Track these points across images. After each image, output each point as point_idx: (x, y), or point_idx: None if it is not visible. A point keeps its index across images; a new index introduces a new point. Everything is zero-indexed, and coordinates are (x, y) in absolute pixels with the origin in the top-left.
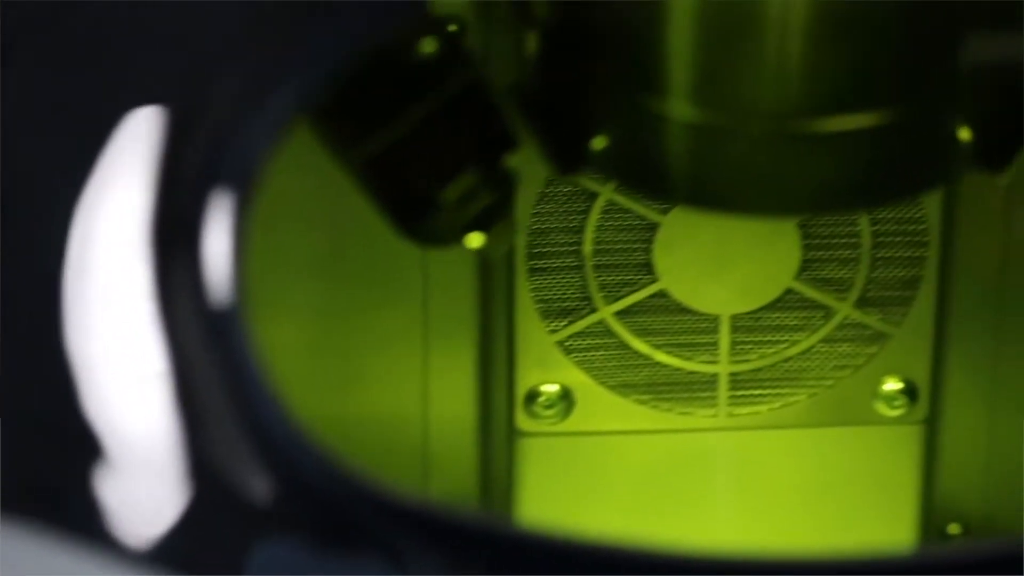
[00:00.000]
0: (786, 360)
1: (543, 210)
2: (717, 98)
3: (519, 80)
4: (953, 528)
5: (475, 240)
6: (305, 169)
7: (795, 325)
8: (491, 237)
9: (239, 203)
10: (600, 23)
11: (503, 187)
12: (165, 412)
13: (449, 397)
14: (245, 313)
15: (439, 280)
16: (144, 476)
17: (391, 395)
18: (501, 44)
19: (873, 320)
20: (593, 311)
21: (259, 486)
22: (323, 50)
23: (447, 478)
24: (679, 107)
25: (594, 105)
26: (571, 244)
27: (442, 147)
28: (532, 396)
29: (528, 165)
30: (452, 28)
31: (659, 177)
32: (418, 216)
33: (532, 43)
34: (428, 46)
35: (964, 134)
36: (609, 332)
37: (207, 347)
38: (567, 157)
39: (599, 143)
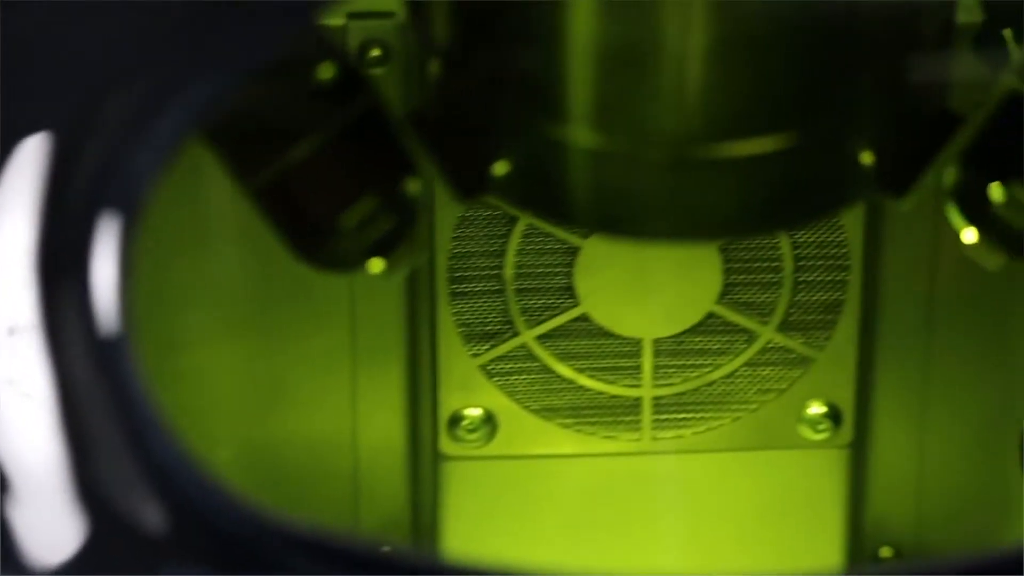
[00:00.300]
0: (709, 384)
1: (464, 234)
2: (617, 124)
3: (422, 106)
4: (885, 551)
5: (376, 265)
6: (233, 191)
7: (718, 349)
8: (392, 262)
9: (126, 229)
10: (501, 50)
11: (404, 212)
12: (55, 442)
13: (377, 420)
14: (133, 341)
15: (366, 303)
16: (42, 505)
17: (320, 418)
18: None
19: (796, 344)
20: (515, 335)
21: (152, 516)
22: (210, 73)
23: (377, 501)
24: (580, 133)
25: (496, 131)
26: (492, 268)
27: (340, 173)
28: (455, 420)
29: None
30: (376, 52)
31: (561, 203)
32: (317, 242)
33: (435, 69)
34: (326, 72)
35: (866, 158)
36: (531, 356)
37: (95, 376)
38: (468, 182)
39: (501, 168)
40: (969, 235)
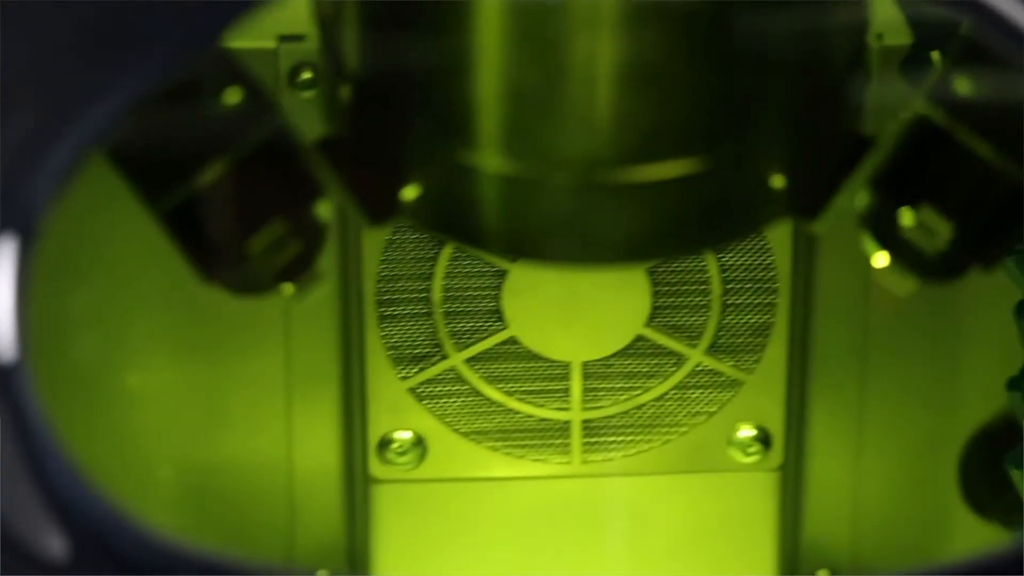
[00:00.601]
0: (639, 407)
1: (391, 257)
2: (525, 149)
3: (332, 130)
4: (822, 573)
5: (286, 289)
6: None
7: (647, 372)
8: (301, 285)
9: (23, 253)
10: (410, 74)
11: (312, 236)
12: None
13: (312, 444)
14: (31, 366)
15: (301, 326)
16: None
17: (256, 441)
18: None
19: (725, 367)
20: (444, 358)
21: (53, 545)
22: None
23: (313, 525)
24: (488, 159)
25: (406, 156)
26: (420, 291)
27: (248, 197)
28: (385, 443)
29: None
30: (307, 75)
31: (471, 227)
32: (225, 265)
33: (346, 94)
34: (232, 96)
35: (777, 181)
36: (460, 379)
37: None
38: (377, 207)
39: (411, 193)
40: (880, 260)
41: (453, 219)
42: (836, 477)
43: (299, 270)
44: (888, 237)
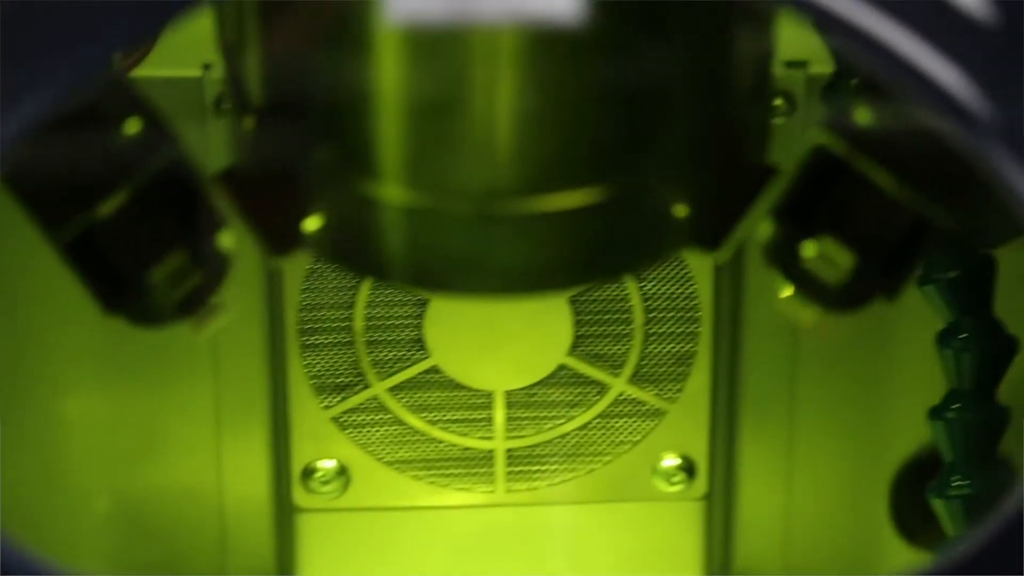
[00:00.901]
0: (563, 436)
1: (313, 286)
2: (426, 180)
3: (235, 161)
4: None
5: (188, 320)
6: None
7: (570, 401)
8: (204, 316)
9: None
10: (311, 106)
11: (215, 267)
12: None
13: (242, 472)
14: None
15: (229, 355)
16: None
17: (187, 470)
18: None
19: (649, 396)
20: (366, 387)
21: None
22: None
23: (244, 554)
24: (390, 189)
25: (307, 186)
26: (342, 320)
27: (148, 227)
28: (309, 472)
29: None
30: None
31: (373, 258)
32: (125, 297)
33: (249, 124)
34: (132, 126)
35: (680, 211)
36: (383, 408)
37: None
38: (279, 238)
39: (313, 224)
40: (784, 290)
41: (356, 251)
42: (766, 505)
43: (201, 301)
44: (791, 268)
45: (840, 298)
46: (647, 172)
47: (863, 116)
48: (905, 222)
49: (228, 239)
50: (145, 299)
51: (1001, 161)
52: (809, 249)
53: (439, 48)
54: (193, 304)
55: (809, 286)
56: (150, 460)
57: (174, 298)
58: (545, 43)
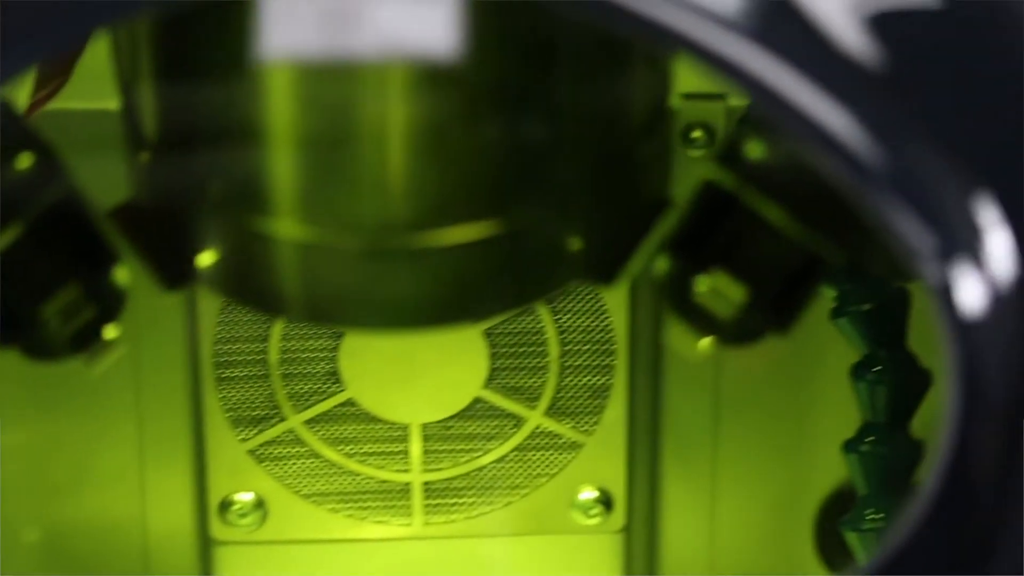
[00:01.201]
0: (480, 469)
1: (228, 318)
2: (317, 215)
3: (133, 195)
4: None
5: (83, 354)
6: None
7: (486, 434)
8: (98, 350)
9: None
10: (203, 140)
11: (109, 301)
12: None
13: (164, 504)
14: None
15: (150, 385)
16: None
17: (112, 503)
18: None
19: (565, 428)
20: (282, 420)
21: None
22: None
23: None
24: (281, 224)
25: (201, 222)
26: (257, 352)
27: (41, 263)
28: (226, 505)
29: None
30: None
31: (268, 294)
32: (18, 331)
33: (144, 159)
34: (23, 161)
35: (575, 244)
36: (300, 441)
37: None
38: (172, 273)
39: (207, 259)
40: (677, 323)
41: (249, 286)
42: (690, 538)
43: (95, 335)
44: (684, 302)
45: (732, 332)
46: (539, 207)
47: (754, 150)
48: (796, 256)
49: (123, 274)
50: (38, 333)
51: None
52: (701, 284)
53: (326, 82)
54: (87, 338)
55: (701, 320)
56: (76, 492)
57: (67, 332)
58: (432, 78)
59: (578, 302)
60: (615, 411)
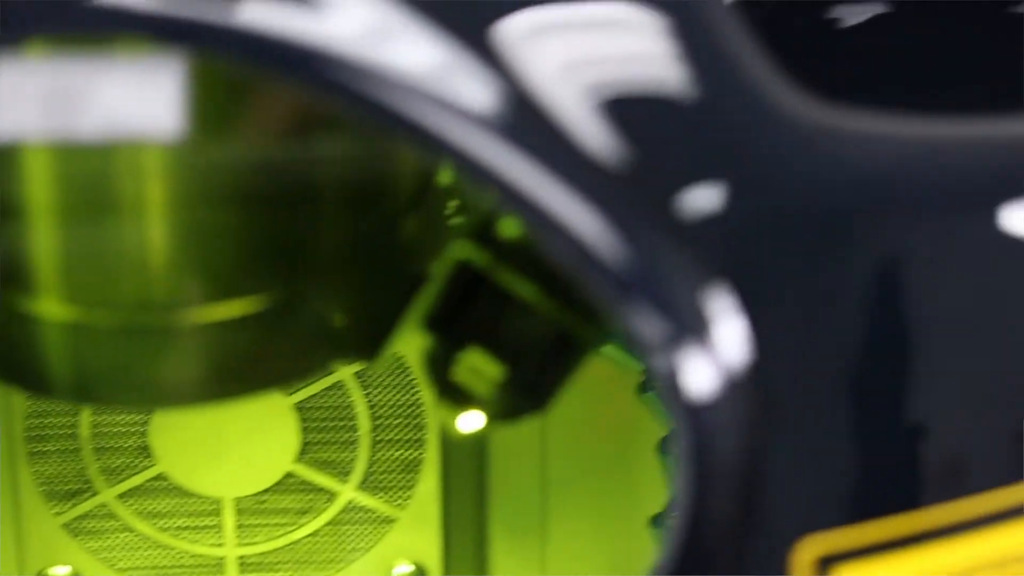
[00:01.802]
0: (294, 543)
1: None
2: (78, 295)
3: None
4: None
5: None
6: None
7: (300, 508)
8: None
9: None
10: None
11: None
12: None
13: None
14: None
15: None
16: None
17: None
18: None
19: (378, 502)
20: (95, 494)
21: None
22: None
23: None
24: (45, 305)
25: None
26: (69, 427)
27: None
28: None
29: None
30: None
31: (36, 375)
32: None
33: None
34: None
35: (338, 320)
36: (113, 515)
37: None
38: None
39: None
40: (441, 401)
41: (17, 367)
42: None
43: None
44: (443, 379)
45: (492, 410)
46: (299, 282)
47: (507, 228)
48: (551, 334)
49: None
50: None
51: (619, 297)
52: (460, 362)
53: (78, 160)
54: None
55: (463, 397)
56: None
57: None
58: (188, 160)
59: (388, 376)
60: (428, 484)
